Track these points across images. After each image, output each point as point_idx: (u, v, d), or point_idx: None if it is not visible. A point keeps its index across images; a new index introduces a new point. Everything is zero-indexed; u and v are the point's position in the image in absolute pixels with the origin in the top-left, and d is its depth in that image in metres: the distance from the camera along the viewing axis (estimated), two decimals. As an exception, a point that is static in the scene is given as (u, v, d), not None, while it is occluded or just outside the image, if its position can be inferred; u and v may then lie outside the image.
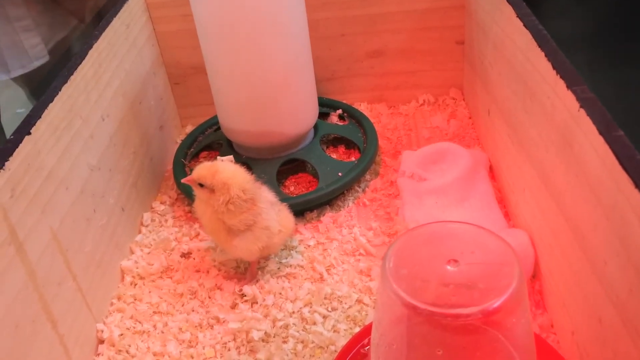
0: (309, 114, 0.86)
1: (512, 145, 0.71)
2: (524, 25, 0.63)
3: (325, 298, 0.67)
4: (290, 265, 0.72)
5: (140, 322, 0.68)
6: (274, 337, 0.63)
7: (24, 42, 1.10)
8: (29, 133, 0.58)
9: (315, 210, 0.81)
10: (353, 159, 0.88)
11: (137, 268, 0.74)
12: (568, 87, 0.52)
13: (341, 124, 0.95)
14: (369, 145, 0.86)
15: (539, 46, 0.59)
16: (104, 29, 0.78)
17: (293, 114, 0.82)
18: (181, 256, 0.76)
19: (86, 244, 0.66)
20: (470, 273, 0.41)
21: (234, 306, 0.68)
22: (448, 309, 0.38)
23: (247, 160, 0.84)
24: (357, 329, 0.63)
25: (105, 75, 0.76)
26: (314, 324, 0.64)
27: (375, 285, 0.68)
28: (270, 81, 0.78)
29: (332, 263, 0.72)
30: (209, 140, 0.93)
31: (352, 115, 0.95)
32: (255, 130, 0.82)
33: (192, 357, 0.63)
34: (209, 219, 0.67)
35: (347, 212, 0.80)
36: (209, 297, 0.70)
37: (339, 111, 0.96)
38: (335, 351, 0.60)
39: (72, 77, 0.68)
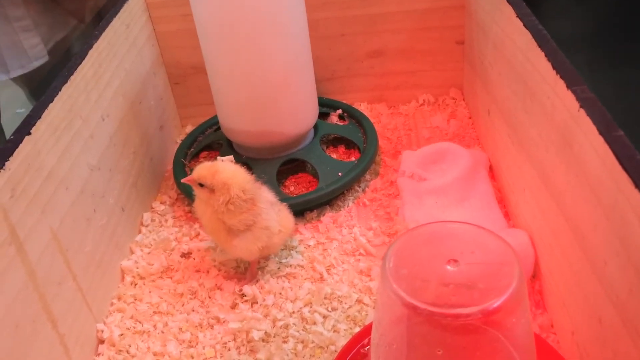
0: (309, 114, 0.86)
1: (512, 145, 0.71)
2: (524, 25, 0.64)
3: (325, 298, 0.67)
4: (290, 265, 0.72)
5: (140, 322, 0.68)
6: (274, 337, 0.63)
7: (24, 42, 1.10)
8: (29, 133, 0.58)
9: (315, 210, 0.81)
10: (353, 159, 0.88)
11: (137, 268, 0.74)
12: (568, 87, 0.52)
13: (341, 124, 0.95)
14: (369, 145, 0.86)
15: (539, 46, 0.59)
16: (104, 29, 0.78)
17: (293, 114, 0.82)
18: (181, 256, 0.76)
19: (86, 243, 0.66)
20: (470, 273, 0.41)
21: (234, 306, 0.68)
22: (448, 309, 0.38)
23: (247, 160, 0.84)
24: (357, 329, 0.63)
25: (105, 75, 0.76)
26: (314, 323, 0.64)
27: (375, 285, 0.68)
28: (270, 81, 0.78)
29: (332, 263, 0.72)
30: (209, 140, 0.93)
31: (352, 115, 0.95)
32: (255, 130, 0.82)
33: (192, 357, 0.63)
34: (209, 219, 0.67)
35: (347, 212, 0.80)
36: (209, 297, 0.70)
37: (339, 111, 0.96)
38: (336, 351, 0.60)
39: (72, 77, 0.68)
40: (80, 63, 0.70)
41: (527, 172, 0.65)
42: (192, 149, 0.93)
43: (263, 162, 0.83)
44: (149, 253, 0.77)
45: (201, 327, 0.66)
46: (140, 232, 0.81)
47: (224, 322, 0.66)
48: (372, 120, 0.93)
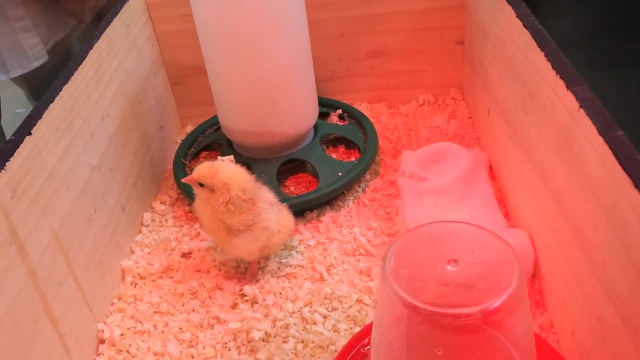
0: (309, 114, 0.86)
1: (512, 145, 0.71)
2: (524, 25, 0.64)
3: (325, 298, 0.67)
4: (291, 265, 0.73)
5: (140, 322, 0.68)
6: (274, 337, 0.63)
7: (23, 42, 1.10)
8: (30, 133, 0.58)
9: (315, 210, 0.81)
10: (353, 159, 0.88)
11: (137, 268, 0.74)
12: (568, 87, 0.52)
13: (341, 124, 0.95)
14: (369, 145, 0.86)
15: (539, 46, 0.59)
16: (104, 29, 0.79)
17: (293, 114, 0.82)
18: (181, 256, 0.76)
19: (87, 243, 0.66)
20: (470, 273, 0.41)
21: (234, 306, 0.69)
22: (448, 309, 0.38)
23: (247, 160, 0.84)
24: (357, 329, 0.63)
25: (105, 76, 0.76)
26: (314, 323, 0.64)
27: (375, 285, 0.68)
28: (270, 81, 0.78)
29: (332, 263, 0.72)
30: (209, 140, 0.93)
31: (352, 115, 0.95)
32: (255, 130, 0.82)
33: (193, 357, 0.63)
34: (209, 219, 0.67)
35: (347, 212, 0.81)
36: (210, 297, 0.70)
37: (339, 111, 0.96)
38: (336, 351, 0.60)
39: (72, 77, 0.68)
40: (81, 63, 0.70)
41: (527, 172, 0.66)
42: (192, 149, 0.93)
43: (263, 162, 0.83)
44: (149, 253, 0.77)
45: (201, 327, 0.66)
46: (140, 232, 0.81)
47: (224, 322, 0.66)
48: (372, 120, 0.93)
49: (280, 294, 0.69)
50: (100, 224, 0.70)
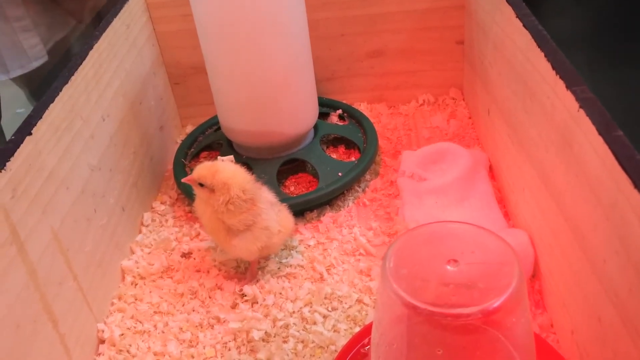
0: (309, 114, 0.86)
1: (512, 145, 0.71)
2: (524, 25, 0.64)
3: (325, 298, 0.67)
4: (291, 265, 0.73)
5: (140, 322, 0.68)
6: (274, 336, 0.63)
7: (23, 42, 1.10)
8: (30, 133, 0.58)
9: (315, 210, 0.81)
10: (353, 159, 0.88)
11: (137, 268, 0.74)
12: (568, 87, 0.52)
13: (341, 124, 0.95)
14: (369, 145, 0.86)
15: (539, 46, 0.59)
16: (104, 29, 0.79)
17: (293, 114, 0.82)
18: (182, 256, 0.76)
19: (87, 243, 0.66)
20: (470, 273, 0.41)
21: (234, 306, 0.69)
22: (448, 309, 0.38)
23: (247, 160, 0.84)
24: (357, 329, 0.63)
25: (105, 76, 0.76)
26: (314, 323, 0.64)
27: (375, 285, 0.68)
28: (270, 81, 0.78)
29: (332, 263, 0.72)
30: (209, 140, 0.93)
31: (352, 115, 0.95)
32: (255, 130, 0.82)
33: (193, 357, 0.63)
34: (209, 219, 0.67)
35: (347, 212, 0.81)
36: (210, 297, 0.70)
37: (339, 111, 0.96)
38: (336, 351, 0.60)
39: (72, 78, 0.68)
40: (81, 63, 0.70)
41: (526, 172, 0.66)
42: (192, 149, 0.93)
43: (263, 162, 0.83)
44: (149, 253, 0.77)
45: (201, 327, 0.66)
46: (140, 232, 0.81)
47: (224, 322, 0.66)
48: (372, 120, 0.93)
49: (280, 294, 0.69)
50: (100, 224, 0.70)
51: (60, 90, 0.65)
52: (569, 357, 0.55)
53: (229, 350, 0.63)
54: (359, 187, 0.84)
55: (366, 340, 0.54)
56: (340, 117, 0.96)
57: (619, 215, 0.43)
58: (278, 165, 0.83)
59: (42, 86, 1.16)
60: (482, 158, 0.84)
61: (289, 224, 0.71)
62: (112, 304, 0.70)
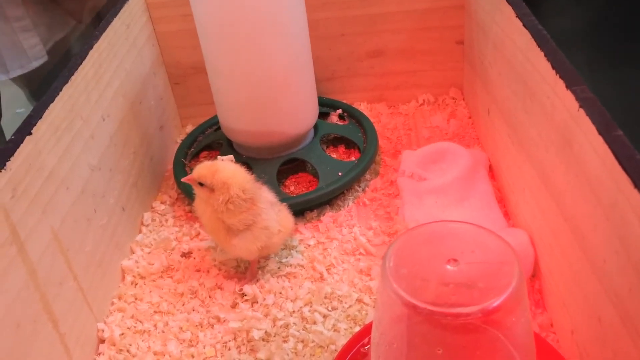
0: (309, 113, 0.86)
1: (512, 145, 0.71)
2: (524, 25, 0.64)
3: (325, 297, 0.67)
4: (291, 265, 0.73)
5: (140, 322, 0.68)
6: (274, 336, 0.63)
7: (23, 42, 1.10)
8: (30, 133, 0.58)
9: (315, 210, 0.81)
10: (353, 158, 0.88)
11: (137, 268, 0.74)
12: (567, 87, 0.52)
13: (341, 123, 0.95)
14: (369, 145, 0.86)
15: (539, 46, 0.59)
16: (104, 29, 0.79)
17: (293, 114, 0.82)
18: (182, 256, 0.76)
19: (87, 243, 0.66)
20: (470, 272, 0.41)
21: (234, 305, 0.69)
22: (448, 308, 0.38)
23: (247, 159, 0.84)
24: (357, 328, 0.63)
25: (105, 76, 0.76)
26: (314, 323, 0.64)
27: (375, 284, 0.68)
28: (270, 81, 0.78)
29: (332, 262, 0.72)
30: (209, 140, 0.93)
31: (352, 115, 0.95)
32: (255, 130, 0.82)
33: (193, 357, 0.63)
34: (209, 218, 0.67)
35: (347, 211, 0.81)
36: (210, 297, 0.70)
37: (339, 111, 0.96)
38: (336, 350, 0.61)
39: (72, 77, 0.68)
40: (81, 63, 0.71)
41: (526, 171, 0.66)
42: (192, 149, 0.93)
43: (263, 162, 0.83)
44: (149, 253, 0.77)
45: (201, 327, 0.66)
46: (140, 231, 0.81)
47: (224, 321, 0.66)
48: (372, 120, 0.93)
49: (280, 293, 0.69)
50: (100, 223, 0.70)
51: (60, 90, 0.65)
52: (568, 356, 0.55)
53: (229, 349, 0.63)
54: (359, 186, 0.84)
55: (366, 340, 0.54)
56: (340, 117, 0.96)
57: (619, 215, 0.43)
58: (278, 165, 0.83)
59: (42, 86, 1.16)
60: (482, 158, 0.84)
61: (288, 224, 0.71)
62: (112, 303, 0.70)
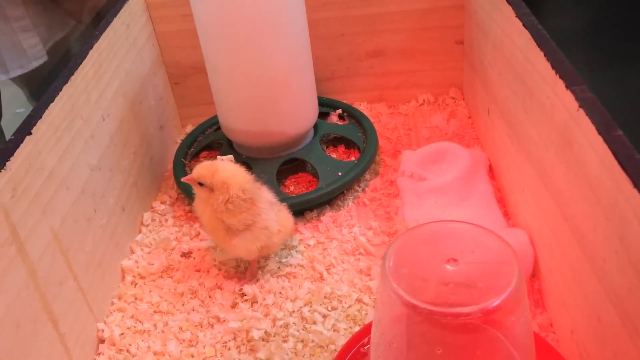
0: (309, 113, 0.86)
1: (511, 145, 0.71)
2: (523, 25, 0.64)
3: (325, 297, 0.67)
4: (290, 265, 0.73)
5: (140, 322, 0.68)
6: (274, 336, 0.63)
7: (23, 42, 1.10)
8: (30, 133, 0.58)
9: (315, 210, 0.81)
10: (353, 158, 0.88)
11: (137, 267, 0.74)
12: (567, 86, 0.52)
13: (341, 123, 0.95)
14: (369, 145, 0.86)
15: (538, 46, 0.59)
16: (104, 29, 0.79)
17: (293, 114, 0.82)
18: (181, 256, 0.76)
19: (87, 243, 0.66)
20: (469, 272, 0.41)
21: (234, 305, 0.69)
22: (448, 308, 0.38)
23: (247, 159, 0.84)
24: (357, 328, 0.63)
25: (105, 75, 0.76)
26: (314, 323, 0.64)
27: (375, 284, 0.68)
28: (270, 81, 0.78)
29: (332, 262, 0.72)
30: (209, 140, 0.94)
31: (352, 115, 0.95)
32: (255, 129, 0.82)
33: (193, 357, 0.63)
34: (209, 218, 0.67)
35: (347, 211, 0.81)
36: (209, 297, 0.70)
37: (339, 111, 0.96)
38: (335, 350, 0.61)
39: (72, 77, 0.68)
40: (81, 63, 0.71)
41: (526, 171, 0.66)
42: (192, 149, 0.93)
43: (263, 162, 0.83)
44: (149, 253, 0.77)
45: (201, 327, 0.66)
46: (140, 231, 0.81)
47: (224, 321, 0.66)
48: (372, 120, 0.93)
49: (280, 293, 0.69)
50: (100, 223, 0.70)
51: (60, 90, 0.65)
52: (568, 356, 0.55)
53: (229, 349, 0.63)
54: (359, 186, 0.85)
55: (366, 340, 0.54)
56: (340, 117, 0.96)
57: (619, 215, 0.43)
58: (278, 165, 0.83)
59: (42, 86, 1.16)
60: (482, 158, 0.84)
61: (288, 224, 0.71)
62: (112, 303, 0.70)
